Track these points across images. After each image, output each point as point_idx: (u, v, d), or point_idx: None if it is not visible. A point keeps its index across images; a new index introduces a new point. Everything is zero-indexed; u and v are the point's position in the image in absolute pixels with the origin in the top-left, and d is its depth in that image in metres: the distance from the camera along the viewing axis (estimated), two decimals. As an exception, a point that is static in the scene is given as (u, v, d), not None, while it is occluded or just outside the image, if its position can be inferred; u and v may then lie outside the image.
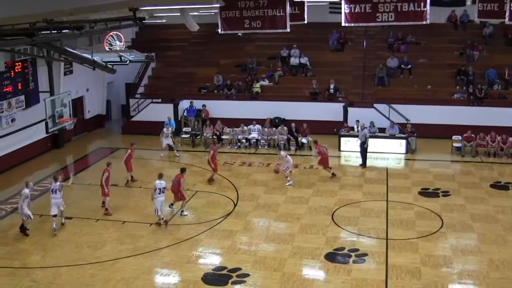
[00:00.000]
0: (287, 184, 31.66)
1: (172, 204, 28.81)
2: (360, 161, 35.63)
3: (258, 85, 44.66)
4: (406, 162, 36.54)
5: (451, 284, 21.00)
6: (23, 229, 25.54)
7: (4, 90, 35.19)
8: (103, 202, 28.80)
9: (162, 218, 26.89)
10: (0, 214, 29.13)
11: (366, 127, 36.03)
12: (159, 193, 26.58)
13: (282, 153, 32.63)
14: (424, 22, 26.57)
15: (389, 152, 37.43)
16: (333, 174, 33.19)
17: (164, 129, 38.00)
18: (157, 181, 26.80)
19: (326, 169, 33.33)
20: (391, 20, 26.92)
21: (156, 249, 24.25)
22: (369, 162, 35.68)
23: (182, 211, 28.27)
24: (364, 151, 35.36)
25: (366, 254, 23.28)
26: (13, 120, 36.07)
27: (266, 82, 45.36)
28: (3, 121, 35.39)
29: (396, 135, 38.02)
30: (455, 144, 37.58)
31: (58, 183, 26.67)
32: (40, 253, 24.31)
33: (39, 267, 22.90)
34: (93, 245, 24.75)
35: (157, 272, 22.37)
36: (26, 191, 25.17)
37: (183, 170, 28.78)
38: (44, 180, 33.54)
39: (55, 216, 26.26)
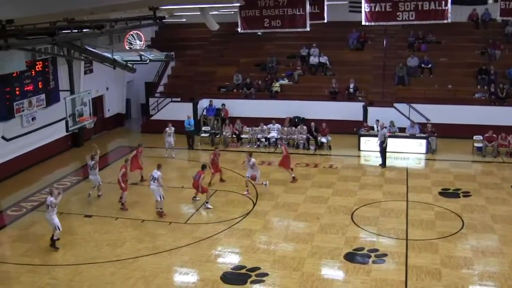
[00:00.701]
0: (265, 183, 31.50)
1: (195, 197, 29.50)
2: (379, 160, 35.49)
3: (277, 84, 44.59)
4: (427, 162, 36.35)
5: (471, 285, 20.86)
6: (53, 242, 24.96)
7: (25, 89, 35.34)
8: (121, 197, 28.99)
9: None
10: (20, 211, 29.30)
11: (385, 127, 35.93)
12: (151, 180, 27.43)
13: (253, 160, 31.42)
14: (445, 21, 26.41)
15: (409, 152, 37.22)
16: (293, 178, 32.98)
17: (167, 128, 37.84)
18: (154, 171, 27.73)
19: (288, 170, 33.16)
20: (412, 19, 26.77)
21: (175, 248, 24.29)
22: (389, 162, 35.57)
23: (206, 202, 28.88)
24: (383, 151, 35.26)
25: (385, 255, 23.18)
26: (33, 119, 36.23)
27: (285, 81, 45.31)
28: (23, 119, 35.55)
29: (416, 135, 37.83)
30: (476, 144, 37.30)
31: (92, 161, 29.19)
32: (60, 250, 24.39)
33: (59, 264, 22.98)
34: (113, 243, 24.84)
35: (176, 271, 22.41)
36: (52, 199, 24.88)
37: (203, 167, 29.14)
38: (64, 179, 33.64)
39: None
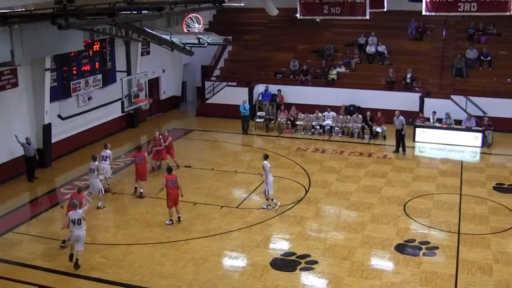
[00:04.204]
0: None
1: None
2: (434, 153, 35.24)
3: (334, 71, 44.34)
4: (482, 155, 35.77)
5: (524, 282, 20.60)
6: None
7: (82, 68, 35.81)
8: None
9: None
10: (73, 190, 29.59)
11: (400, 115, 35.58)
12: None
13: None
14: (508, 13, 26.03)
15: (464, 145, 36.69)
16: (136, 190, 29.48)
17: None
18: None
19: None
20: (474, 10, 26.44)
21: (226, 232, 24.42)
22: (444, 154, 35.39)
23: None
24: (400, 138, 35.36)
25: (437, 248, 22.98)
26: (89, 99, 36.63)
27: (342, 69, 45.03)
28: (80, 99, 35.98)
29: (473, 128, 37.31)
30: (533, 139, 36.76)
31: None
32: (112, 230, 24.72)
33: (110, 244, 23.25)
34: (164, 225, 25.03)
35: (227, 255, 22.53)
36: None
37: (169, 170, 26.30)
38: (118, 159, 33.84)
39: None
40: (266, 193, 26.98)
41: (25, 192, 29.91)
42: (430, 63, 44.60)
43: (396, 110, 36.15)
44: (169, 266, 21.57)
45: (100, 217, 25.90)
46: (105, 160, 28.78)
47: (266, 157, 27.30)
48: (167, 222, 25.35)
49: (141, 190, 28.76)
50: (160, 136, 31.85)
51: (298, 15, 30.71)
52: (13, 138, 30.24)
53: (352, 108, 41.71)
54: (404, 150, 35.36)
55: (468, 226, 25.07)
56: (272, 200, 27.08)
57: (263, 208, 27.07)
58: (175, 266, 21.57)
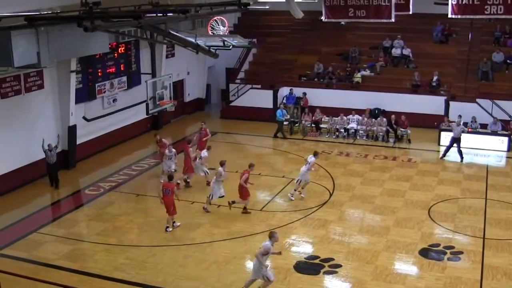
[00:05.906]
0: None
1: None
2: (458, 156, 34.88)
3: (359, 75, 44.19)
4: (508, 160, 35.49)
5: (550, 289, 20.38)
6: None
7: (107, 71, 35.97)
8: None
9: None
10: (98, 191, 29.77)
11: (461, 124, 35.40)
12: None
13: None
14: (535, 16, 25.83)
15: (490, 149, 36.45)
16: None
17: (166, 151, 30.65)
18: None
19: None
20: (500, 13, 26.22)
21: (249, 234, 24.41)
22: (469, 158, 35.11)
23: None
24: (456, 145, 35.02)
25: (461, 252, 22.80)
26: (114, 101, 36.77)
27: (367, 72, 44.86)
28: (105, 101, 36.12)
29: (499, 132, 37.03)
30: (560, 144, 36.40)
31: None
32: (136, 231, 24.79)
33: (134, 245, 23.30)
34: (188, 227, 25.03)
35: (250, 258, 22.36)
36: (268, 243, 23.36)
37: (170, 178, 25.77)
38: (142, 161, 34.04)
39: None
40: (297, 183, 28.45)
41: (50, 193, 30.02)
42: (456, 67, 44.29)
43: (457, 118, 35.94)
44: (192, 268, 21.58)
45: (124, 218, 26.01)
46: (169, 159, 29.67)
47: (315, 154, 29.12)
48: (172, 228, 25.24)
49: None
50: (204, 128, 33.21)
51: (323, 18, 30.63)
52: (40, 139, 30.32)
53: (376, 111, 41.56)
54: (461, 158, 34.93)
55: (494, 231, 24.86)
56: (296, 189, 28.74)
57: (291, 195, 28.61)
58: (198, 268, 21.57)
